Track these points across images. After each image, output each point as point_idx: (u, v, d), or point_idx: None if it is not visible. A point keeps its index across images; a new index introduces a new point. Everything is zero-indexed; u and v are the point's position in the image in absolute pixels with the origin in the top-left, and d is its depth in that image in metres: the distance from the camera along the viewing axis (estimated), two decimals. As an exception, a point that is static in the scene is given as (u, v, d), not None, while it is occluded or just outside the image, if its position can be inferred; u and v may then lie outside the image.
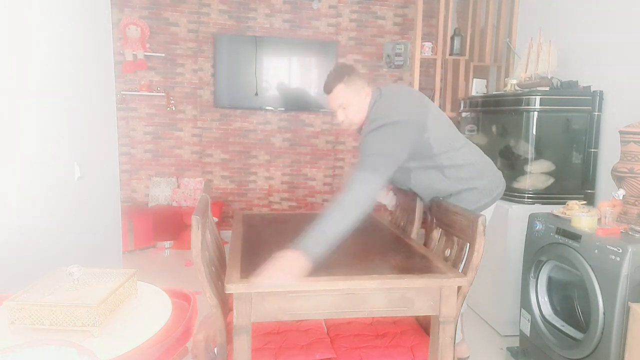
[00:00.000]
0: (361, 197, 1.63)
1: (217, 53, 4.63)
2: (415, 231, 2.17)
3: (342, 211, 1.59)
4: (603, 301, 1.85)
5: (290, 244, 1.50)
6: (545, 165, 2.75)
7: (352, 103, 1.87)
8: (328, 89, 1.87)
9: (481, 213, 1.74)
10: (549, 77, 2.83)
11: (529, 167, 2.73)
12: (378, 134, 1.77)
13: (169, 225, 4.42)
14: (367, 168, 1.69)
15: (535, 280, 2.30)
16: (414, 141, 1.86)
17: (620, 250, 1.77)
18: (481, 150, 2.13)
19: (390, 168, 1.75)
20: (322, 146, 5.01)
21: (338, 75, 1.86)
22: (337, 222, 1.57)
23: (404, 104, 1.91)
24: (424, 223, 2.20)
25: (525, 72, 3.00)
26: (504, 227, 2.69)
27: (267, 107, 4.80)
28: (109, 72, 2.54)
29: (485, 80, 3.86)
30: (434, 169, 1.95)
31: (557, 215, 2.22)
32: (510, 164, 2.86)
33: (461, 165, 1.99)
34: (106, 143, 2.52)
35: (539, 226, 2.27)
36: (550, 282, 2.29)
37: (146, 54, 4.52)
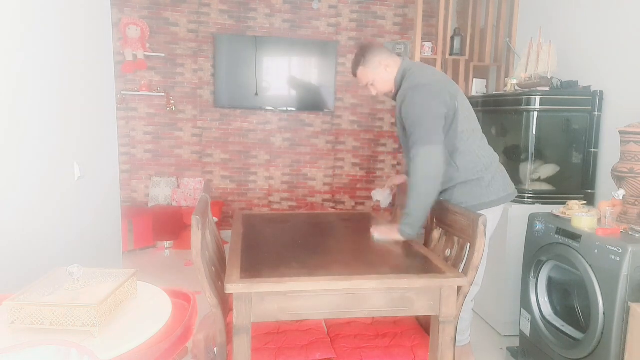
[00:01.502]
0: (428, 171, 1.80)
1: (217, 53, 4.63)
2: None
3: (417, 191, 1.81)
4: (603, 301, 1.85)
5: (290, 244, 1.52)
6: (545, 165, 2.76)
7: (376, 79, 2.04)
8: (353, 73, 2.10)
9: (486, 214, 1.75)
10: (549, 77, 2.83)
11: (529, 167, 2.73)
12: (417, 94, 1.87)
13: (169, 225, 4.42)
14: (420, 142, 1.81)
15: (535, 280, 2.30)
16: (448, 107, 1.91)
17: (620, 250, 1.77)
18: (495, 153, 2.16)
19: (439, 130, 1.85)
20: (322, 146, 5.01)
21: (357, 59, 2.05)
22: (418, 202, 1.82)
23: (437, 73, 2.07)
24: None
25: (525, 72, 3.00)
26: (504, 227, 2.69)
27: (267, 107, 4.80)
28: (109, 72, 2.54)
29: (485, 80, 3.86)
30: (446, 153, 1.94)
31: (557, 215, 2.22)
32: (510, 164, 2.86)
33: (475, 153, 2.00)
34: (106, 143, 2.52)
35: (539, 226, 2.26)
36: (550, 282, 2.29)
37: (146, 54, 4.52)
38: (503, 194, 2.04)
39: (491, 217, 1.92)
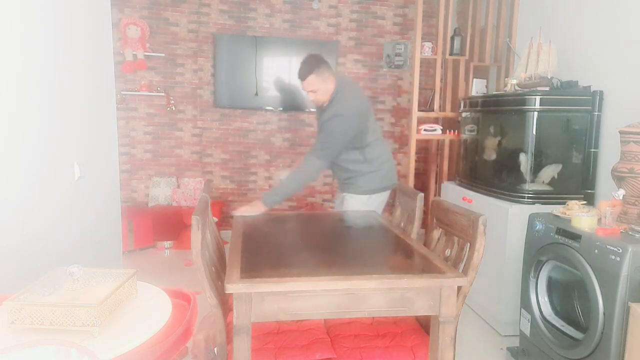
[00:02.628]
0: (310, 176, 2.39)
1: (217, 53, 4.63)
2: (415, 231, 2.17)
3: (294, 183, 2.37)
4: (603, 301, 1.85)
5: (290, 244, 1.52)
6: (545, 165, 2.75)
7: (321, 89, 2.34)
8: (301, 76, 2.33)
9: (378, 196, 2.55)
10: (549, 77, 2.83)
11: (528, 167, 2.73)
12: (336, 122, 2.33)
13: (169, 225, 4.42)
14: (319, 155, 2.34)
15: (535, 280, 2.30)
16: (361, 129, 2.44)
17: (620, 250, 1.77)
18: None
19: (333, 156, 2.43)
20: (322, 146, 5.00)
21: (310, 66, 2.31)
22: (288, 191, 2.40)
23: (358, 97, 2.52)
24: (424, 223, 2.21)
25: (525, 72, 3.00)
26: (504, 227, 2.69)
27: (267, 107, 4.80)
28: (109, 72, 2.54)
29: (485, 80, 3.86)
30: (358, 149, 2.48)
31: (557, 215, 2.22)
32: (510, 164, 2.86)
33: (378, 154, 2.57)
34: (106, 143, 2.52)
35: (539, 226, 2.26)
36: (550, 282, 2.29)
37: (146, 54, 4.52)
38: (391, 183, 2.64)
39: (382, 198, 2.61)
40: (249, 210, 2.28)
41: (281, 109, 4.83)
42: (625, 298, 1.78)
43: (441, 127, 3.88)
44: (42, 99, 1.93)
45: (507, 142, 2.92)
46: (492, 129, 3.06)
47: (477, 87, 3.75)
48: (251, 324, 1.43)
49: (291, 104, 4.84)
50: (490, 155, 3.05)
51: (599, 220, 2.04)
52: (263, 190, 4.97)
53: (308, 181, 2.45)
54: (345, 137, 2.38)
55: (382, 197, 2.63)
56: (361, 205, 2.57)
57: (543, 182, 2.74)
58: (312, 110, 4.87)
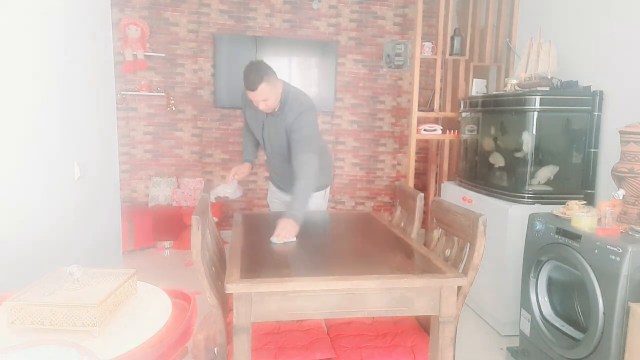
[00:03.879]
0: (314, 171, 2.24)
1: (217, 53, 4.63)
2: (415, 231, 2.17)
3: (308, 184, 2.21)
4: (603, 301, 1.85)
5: (289, 244, 1.51)
6: (545, 165, 2.75)
7: (271, 97, 2.25)
8: (252, 86, 2.18)
9: (325, 190, 2.61)
10: (549, 77, 2.83)
11: (528, 167, 2.73)
12: (305, 117, 2.32)
13: (169, 225, 4.42)
14: (309, 150, 2.27)
15: (535, 280, 2.30)
16: None
17: (620, 250, 1.77)
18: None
19: (319, 143, 2.42)
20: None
21: (259, 75, 2.19)
22: (308, 193, 2.22)
23: (309, 97, 2.48)
24: (424, 223, 2.20)
25: (525, 72, 3.00)
26: (504, 227, 2.69)
27: (267, 107, 4.79)
28: (109, 72, 2.54)
29: (485, 80, 3.86)
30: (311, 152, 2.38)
31: (557, 215, 2.22)
32: (510, 164, 2.86)
33: (325, 152, 2.66)
34: (106, 143, 2.52)
35: (539, 226, 2.27)
36: (550, 282, 2.29)
37: (146, 54, 4.52)
38: (328, 180, 2.71)
39: (323, 193, 2.63)
40: (288, 236, 1.95)
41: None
42: (625, 298, 1.78)
43: (441, 127, 3.88)
44: (42, 99, 1.93)
45: (507, 142, 2.92)
46: (492, 129, 3.06)
47: (477, 87, 3.75)
48: (251, 324, 1.43)
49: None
50: (491, 155, 3.05)
51: (599, 220, 2.04)
52: (263, 190, 4.98)
53: (315, 180, 2.34)
54: (317, 129, 2.42)
55: (324, 192, 2.68)
56: (321, 202, 2.59)
57: (539, 182, 2.74)
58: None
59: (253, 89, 2.18)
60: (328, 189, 2.72)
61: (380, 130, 5.09)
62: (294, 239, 1.94)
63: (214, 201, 2.49)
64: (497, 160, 2.98)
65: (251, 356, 1.48)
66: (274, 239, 1.91)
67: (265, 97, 2.22)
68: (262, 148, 2.62)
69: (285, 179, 2.55)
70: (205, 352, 1.71)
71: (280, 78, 2.34)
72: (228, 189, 2.47)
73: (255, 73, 2.19)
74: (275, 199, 2.76)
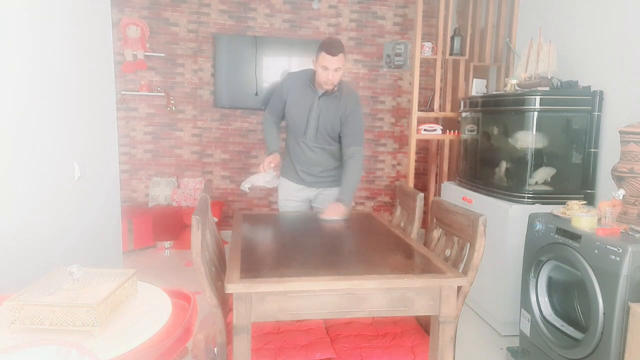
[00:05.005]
0: (361, 168, 2.53)
1: (217, 53, 4.63)
2: (415, 231, 2.17)
3: (358, 174, 2.50)
4: (603, 301, 1.85)
5: (290, 244, 1.51)
6: (545, 165, 2.75)
7: (342, 68, 2.33)
8: (336, 51, 2.27)
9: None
10: (549, 77, 2.83)
11: (528, 167, 2.73)
12: (361, 108, 2.53)
13: (169, 225, 4.42)
14: (361, 144, 2.50)
15: (535, 280, 2.30)
16: None
17: (620, 250, 1.77)
18: None
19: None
20: (322, 146, 5.00)
21: (341, 45, 2.31)
22: (357, 181, 2.51)
23: None
24: (424, 223, 2.21)
25: (525, 72, 3.00)
26: (504, 227, 2.69)
27: (267, 107, 4.79)
28: (109, 72, 2.54)
29: (485, 80, 3.86)
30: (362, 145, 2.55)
31: (557, 215, 2.22)
32: (510, 164, 2.86)
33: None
34: (106, 143, 2.52)
35: (539, 226, 2.26)
36: (550, 282, 2.29)
37: (146, 54, 4.52)
38: None
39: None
40: (335, 214, 2.32)
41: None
42: (625, 298, 1.78)
43: (441, 127, 3.88)
44: (42, 99, 1.93)
45: (507, 142, 2.91)
46: (492, 129, 3.06)
47: (477, 87, 3.75)
48: (251, 324, 1.43)
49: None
50: (490, 155, 3.05)
51: (599, 220, 2.04)
52: (263, 190, 4.98)
53: (361, 169, 2.56)
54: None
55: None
56: (333, 198, 2.54)
57: (536, 182, 2.74)
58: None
59: (335, 54, 2.26)
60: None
61: (380, 130, 5.09)
62: (342, 217, 2.30)
63: (247, 191, 2.49)
64: (497, 160, 2.98)
65: (251, 356, 1.48)
66: (324, 216, 2.30)
67: (340, 65, 2.30)
68: (287, 138, 2.67)
69: (313, 168, 2.58)
70: (205, 352, 1.71)
71: None
72: (266, 177, 2.44)
73: (339, 42, 2.31)
74: (292, 197, 2.67)
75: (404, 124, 5.10)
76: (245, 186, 2.44)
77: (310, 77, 2.44)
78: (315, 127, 2.47)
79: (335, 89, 2.40)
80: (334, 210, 2.32)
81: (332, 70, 2.28)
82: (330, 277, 1.47)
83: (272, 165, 2.51)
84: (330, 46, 2.27)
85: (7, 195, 1.73)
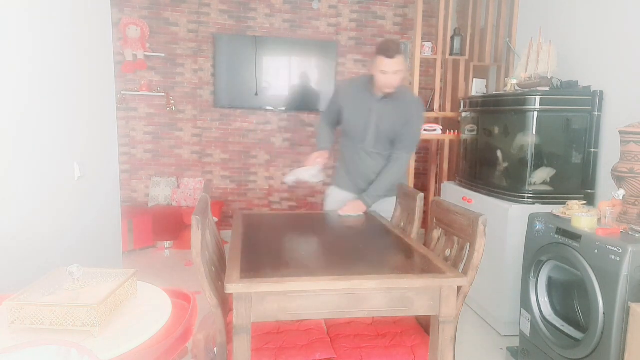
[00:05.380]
0: (402, 171, 2.48)
1: (217, 53, 4.63)
2: (415, 231, 2.17)
3: (389, 180, 2.41)
4: (603, 301, 1.85)
5: (290, 244, 1.51)
6: (545, 165, 2.75)
7: (403, 70, 2.26)
8: (393, 54, 2.18)
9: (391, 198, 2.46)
10: (549, 77, 2.83)
11: (528, 167, 2.73)
12: (422, 115, 2.48)
13: (169, 225, 4.42)
14: (410, 152, 2.44)
15: (535, 280, 2.30)
16: None
17: (620, 250, 1.77)
18: None
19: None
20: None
21: (399, 47, 2.23)
22: (385, 187, 2.41)
23: None
24: (424, 223, 2.21)
25: (525, 72, 3.00)
26: (504, 227, 2.69)
27: (267, 107, 4.80)
28: (109, 72, 2.54)
29: (485, 80, 3.86)
30: (410, 154, 2.50)
31: (557, 215, 2.22)
32: (510, 164, 2.86)
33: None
34: (106, 143, 2.52)
35: (539, 226, 2.26)
36: (550, 282, 2.29)
37: (146, 54, 4.52)
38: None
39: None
40: (353, 210, 2.35)
41: (284, 108, 4.83)
42: (625, 298, 1.78)
43: (441, 127, 3.88)
44: (43, 99, 1.93)
45: (507, 142, 2.91)
46: (492, 129, 3.06)
47: (477, 87, 3.75)
48: (251, 324, 1.43)
49: (305, 104, 4.85)
50: (490, 155, 3.05)
51: (599, 220, 2.04)
52: (263, 190, 4.98)
53: (401, 177, 2.47)
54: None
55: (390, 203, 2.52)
56: (391, 209, 2.45)
57: (535, 183, 2.74)
58: (313, 110, 4.88)
59: (393, 56, 2.18)
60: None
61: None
62: (361, 214, 2.33)
63: (292, 184, 2.45)
64: (497, 160, 2.98)
65: (251, 356, 1.48)
66: (341, 212, 2.33)
67: (399, 68, 2.22)
68: (341, 146, 2.60)
69: (371, 175, 2.48)
70: (205, 352, 1.71)
71: None
72: (312, 171, 2.34)
73: (396, 44, 2.23)
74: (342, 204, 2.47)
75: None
76: (290, 179, 2.36)
77: (367, 82, 2.38)
78: (375, 133, 2.40)
79: (396, 92, 2.31)
80: (351, 206, 2.33)
81: (390, 73, 2.21)
82: (330, 277, 1.47)
83: (319, 161, 2.42)
84: (387, 49, 2.18)
85: (7, 195, 1.73)
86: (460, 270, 1.68)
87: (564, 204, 2.26)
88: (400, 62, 2.21)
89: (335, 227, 2.34)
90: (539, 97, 2.66)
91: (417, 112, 2.40)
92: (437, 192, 4.46)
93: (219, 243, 2.09)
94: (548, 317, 2.25)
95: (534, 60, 2.94)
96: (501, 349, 2.64)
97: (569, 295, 2.20)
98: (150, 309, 1.34)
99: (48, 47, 1.96)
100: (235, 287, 1.39)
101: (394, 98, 2.33)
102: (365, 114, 2.39)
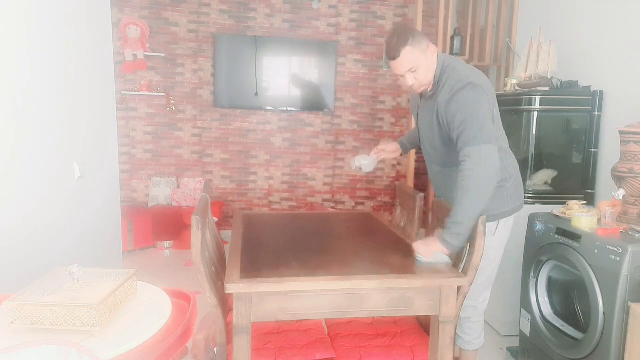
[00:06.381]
0: (485, 172, 1.61)
1: (217, 53, 4.63)
2: (416, 231, 2.17)
3: (470, 195, 1.61)
4: (603, 301, 1.85)
5: (290, 244, 1.52)
6: (545, 165, 2.75)
7: (421, 65, 1.73)
8: (394, 54, 1.71)
9: (503, 222, 1.86)
10: (549, 77, 2.83)
11: (528, 167, 2.73)
12: (465, 96, 1.67)
13: (169, 225, 4.42)
14: (474, 141, 1.63)
15: (535, 280, 2.30)
16: (492, 113, 1.75)
17: (620, 250, 1.77)
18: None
19: (493, 130, 1.67)
20: (322, 146, 5.01)
21: (402, 38, 1.70)
22: (471, 208, 1.62)
23: (481, 73, 1.81)
24: (424, 223, 2.19)
25: (525, 72, 3.00)
26: (504, 227, 2.69)
27: (267, 107, 4.80)
28: (109, 72, 2.54)
29: (485, 80, 3.85)
30: (479, 144, 1.68)
31: (557, 215, 2.22)
32: (510, 164, 2.86)
33: (502, 158, 1.77)
34: (106, 143, 2.52)
35: (539, 226, 2.26)
36: (550, 282, 2.29)
37: (146, 54, 4.52)
38: (518, 203, 1.93)
39: (509, 225, 1.92)
40: (423, 252, 1.67)
41: (284, 108, 4.83)
42: (625, 298, 1.78)
43: (441, 127, 3.88)
44: (42, 99, 1.93)
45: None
46: (492, 129, 3.06)
47: (477, 87, 3.74)
48: (251, 324, 1.43)
49: (305, 104, 4.85)
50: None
51: (599, 220, 2.03)
52: (263, 190, 4.98)
53: (494, 178, 1.65)
54: (488, 111, 1.70)
55: (509, 224, 1.94)
56: (489, 237, 1.76)
57: (536, 183, 2.74)
58: (313, 110, 4.88)
59: (395, 57, 1.70)
60: (506, 221, 1.90)
61: (380, 130, 5.09)
62: (448, 259, 1.64)
63: (354, 169, 2.31)
64: (497, 160, 2.98)
65: (251, 356, 1.48)
66: (416, 252, 1.67)
67: (412, 65, 1.71)
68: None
69: (441, 190, 2.00)
70: (205, 352, 1.71)
71: (435, 46, 1.78)
72: (366, 160, 2.17)
73: (398, 36, 1.70)
74: None
75: (404, 124, 5.10)
76: (353, 164, 2.22)
77: None
78: (422, 137, 1.96)
79: (430, 87, 1.81)
80: (423, 246, 1.68)
81: (401, 76, 1.76)
82: (330, 277, 1.47)
83: (382, 149, 2.15)
84: (388, 49, 1.73)
85: (7, 196, 1.73)
86: (460, 270, 1.68)
87: (564, 204, 2.26)
88: (406, 60, 1.71)
89: (335, 227, 2.34)
90: (539, 97, 2.66)
91: (454, 100, 1.70)
92: (437, 192, 4.46)
93: (219, 243, 2.09)
94: (548, 317, 2.25)
95: (534, 60, 2.94)
96: (501, 349, 2.64)
97: (569, 296, 2.20)
98: (150, 309, 1.34)
99: (48, 47, 1.96)
100: (235, 287, 1.39)
101: (432, 92, 1.82)
102: (416, 120, 2.00)
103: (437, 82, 1.78)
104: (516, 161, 1.96)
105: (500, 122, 1.90)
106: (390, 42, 1.72)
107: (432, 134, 1.85)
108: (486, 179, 1.62)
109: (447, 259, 1.65)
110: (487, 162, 1.62)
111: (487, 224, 1.70)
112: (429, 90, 1.82)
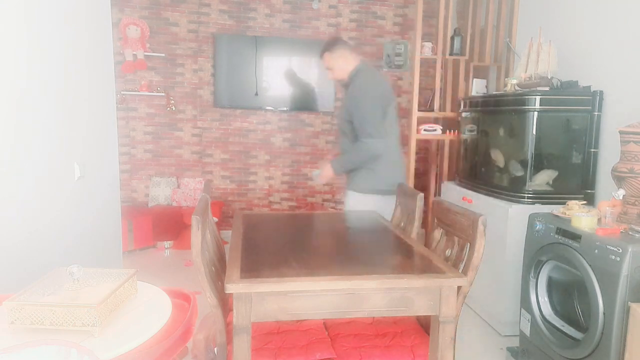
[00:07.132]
0: (365, 157, 2.49)
1: (217, 53, 4.63)
2: (415, 231, 2.17)
3: (351, 162, 2.56)
4: (603, 301, 1.85)
5: (290, 244, 1.51)
6: (545, 165, 2.75)
7: (335, 66, 2.57)
8: (322, 51, 2.61)
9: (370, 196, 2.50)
10: (549, 77, 2.83)
11: (528, 167, 2.73)
12: (361, 100, 2.44)
13: (169, 225, 4.42)
14: (365, 135, 2.43)
15: (535, 280, 2.30)
16: (381, 111, 2.50)
17: (620, 250, 1.77)
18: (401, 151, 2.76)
19: (378, 128, 2.45)
20: (322, 146, 5.01)
21: (327, 45, 2.60)
22: (348, 166, 2.59)
23: (382, 80, 2.66)
24: (424, 223, 2.20)
25: (525, 72, 3.00)
26: (504, 227, 2.69)
27: (267, 107, 4.80)
28: (109, 72, 2.54)
29: (485, 80, 3.86)
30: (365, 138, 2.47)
31: (557, 215, 2.22)
32: (510, 164, 2.86)
33: (384, 147, 2.50)
34: (106, 143, 2.52)
35: (539, 226, 2.26)
36: (550, 282, 2.29)
37: (146, 54, 4.52)
38: (388, 187, 2.52)
39: (382, 203, 2.49)
40: (323, 177, 2.60)
41: (284, 108, 4.83)
42: (625, 298, 1.78)
43: (441, 127, 3.88)
44: (42, 99, 1.93)
45: (507, 142, 2.92)
46: (492, 129, 3.06)
47: (477, 87, 3.75)
48: (251, 324, 1.43)
49: (305, 104, 4.85)
50: (490, 155, 3.05)
51: (599, 220, 2.04)
52: (263, 190, 4.98)
53: (366, 161, 2.50)
54: (375, 110, 2.45)
55: (382, 202, 2.51)
56: (357, 205, 2.54)
57: (536, 182, 2.74)
58: (313, 110, 4.89)
59: (321, 56, 2.60)
60: (374, 197, 2.54)
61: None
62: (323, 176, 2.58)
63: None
64: (497, 160, 2.98)
65: (251, 356, 1.48)
66: (314, 180, 2.66)
67: (328, 64, 2.57)
68: None
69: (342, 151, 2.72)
70: (205, 352, 1.71)
71: (358, 57, 2.60)
72: (316, 171, 2.85)
73: (325, 44, 2.60)
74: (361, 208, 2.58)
75: (404, 124, 5.09)
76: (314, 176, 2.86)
77: None
78: (339, 125, 2.72)
79: (345, 81, 2.58)
80: (321, 170, 2.60)
81: (327, 70, 2.58)
82: (330, 277, 1.47)
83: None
84: (321, 47, 2.58)
85: (7, 195, 1.73)
86: (460, 270, 1.68)
87: (564, 204, 2.26)
88: (327, 60, 2.55)
89: (335, 227, 2.34)
90: (539, 97, 2.66)
91: (355, 92, 2.48)
92: (437, 192, 4.46)
93: (219, 243, 2.09)
94: (548, 317, 2.25)
95: (534, 60, 2.94)
96: (501, 349, 2.64)
97: (569, 295, 2.20)
98: (150, 309, 1.34)
99: (48, 47, 1.96)
100: (235, 287, 1.39)
101: (348, 89, 2.56)
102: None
103: (350, 81, 2.53)
104: (396, 154, 2.64)
105: (395, 119, 2.62)
106: (325, 42, 2.63)
107: (340, 119, 2.64)
108: (362, 161, 2.50)
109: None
110: (369, 151, 2.46)
111: (356, 194, 2.56)
112: (344, 83, 2.59)
